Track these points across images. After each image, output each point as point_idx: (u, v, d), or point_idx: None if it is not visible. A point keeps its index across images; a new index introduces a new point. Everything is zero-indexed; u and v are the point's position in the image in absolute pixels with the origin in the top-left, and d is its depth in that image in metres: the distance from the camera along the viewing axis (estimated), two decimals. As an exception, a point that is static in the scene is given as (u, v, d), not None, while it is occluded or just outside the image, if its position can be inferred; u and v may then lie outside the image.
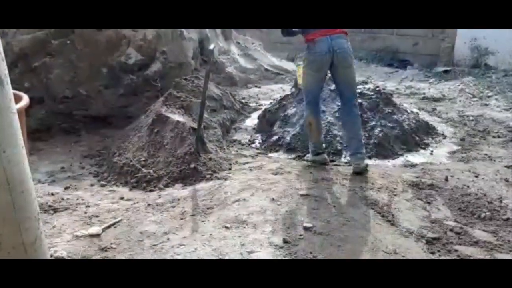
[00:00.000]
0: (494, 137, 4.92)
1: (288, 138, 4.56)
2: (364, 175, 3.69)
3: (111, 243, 2.71)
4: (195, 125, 3.98)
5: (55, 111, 4.96)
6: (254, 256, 2.51)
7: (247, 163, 4.08)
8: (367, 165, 3.78)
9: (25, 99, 2.94)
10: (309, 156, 4.07)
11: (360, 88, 4.99)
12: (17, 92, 2.99)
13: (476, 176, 3.77)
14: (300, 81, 4.22)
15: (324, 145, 4.11)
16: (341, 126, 4.04)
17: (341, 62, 3.66)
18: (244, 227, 2.83)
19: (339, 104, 4.23)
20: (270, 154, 4.42)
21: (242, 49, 8.06)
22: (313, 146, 3.99)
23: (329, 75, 3.92)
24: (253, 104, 6.11)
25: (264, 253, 2.53)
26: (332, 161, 4.13)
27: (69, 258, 2.52)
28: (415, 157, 4.32)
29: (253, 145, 4.68)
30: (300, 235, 2.73)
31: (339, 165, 4.04)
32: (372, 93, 4.89)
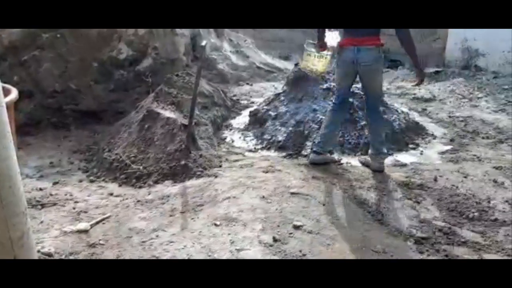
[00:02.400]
0: (483, 138, 4.96)
1: (279, 136, 4.55)
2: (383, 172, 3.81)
3: (100, 239, 2.69)
4: (186, 122, 3.96)
5: (45, 106, 4.91)
6: (243, 254, 2.50)
7: (238, 160, 4.08)
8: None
9: (14, 93, 2.91)
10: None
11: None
12: (6, 85, 2.96)
13: (465, 177, 3.80)
14: (305, 65, 4.79)
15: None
16: (366, 127, 4.17)
17: (365, 74, 3.73)
18: (234, 225, 2.82)
19: (330, 102, 4.25)
20: (261, 152, 4.42)
21: (234, 46, 8.04)
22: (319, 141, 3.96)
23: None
24: (244, 102, 6.10)
25: (254, 251, 2.53)
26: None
27: (57, 257, 2.49)
28: (405, 157, 4.34)
29: (244, 143, 4.67)
30: (290, 234, 2.73)
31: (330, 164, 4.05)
32: (363, 93, 4.89)
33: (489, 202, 3.36)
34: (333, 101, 4.02)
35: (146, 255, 2.51)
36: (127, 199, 3.34)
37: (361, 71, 3.69)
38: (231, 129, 5.08)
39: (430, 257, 2.63)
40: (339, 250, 2.61)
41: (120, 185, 3.64)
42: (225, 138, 4.79)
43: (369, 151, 3.97)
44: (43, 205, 3.17)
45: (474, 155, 4.34)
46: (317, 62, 4.74)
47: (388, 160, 4.21)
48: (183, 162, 3.70)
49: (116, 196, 3.43)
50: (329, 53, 4.53)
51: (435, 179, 3.71)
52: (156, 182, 3.60)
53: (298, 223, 2.83)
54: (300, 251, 2.55)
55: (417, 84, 3.98)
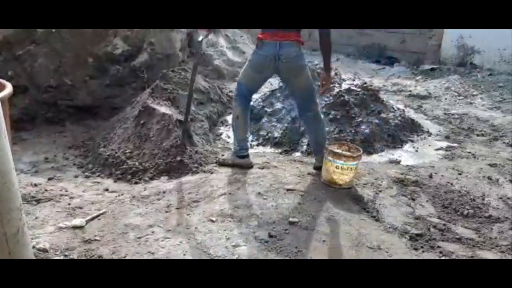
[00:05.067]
0: (478, 135, 4.99)
1: (275, 132, 4.56)
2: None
3: (95, 235, 2.69)
4: (181, 118, 3.95)
5: (39, 101, 4.88)
6: (239, 250, 2.51)
7: (234, 156, 4.07)
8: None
9: (9, 88, 2.88)
10: (229, 157, 3.80)
11: (348, 84, 5.02)
12: (1, 80, 2.94)
13: (460, 174, 3.82)
14: (329, 178, 3.41)
15: (248, 146, 3.89)
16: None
17: (288, 72, 3.46)
18: (230, 221, 2.82)
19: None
20: (256, 148, 4.42)
21: (230, 42, 8.01)
22: (238, 144, 3.74)
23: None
24: (240, 98, 6.07)
25: (249, 247, 2.54)
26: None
27: (52, 253, 2.48)
28: (401, 154, 4.36)
29: (240, 139, 4.67)
30: (286, 230, 2.73)
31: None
32: (359, 90, 4.92)
33: (483, 199, 3.38)
34: (235, 97, 3.74)
35: (142, 251, 2.50)
36: (122, 195, 3.33)
37: (282, 68, 3.40)
38: (227, 125, 5.07)
39: (425, 254, 2.64)
40: (335, 246, 2.62)
41: (115, 181, 3.63)
42: (221, 134, 4.78)
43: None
44: (38, 201, 3.15)
45: (469, 152, 4.37)
46: (342, 174, 3.36)
47: (384, 157, 4.23)
48: (178, 158, 3.69)
49: (112, 192, 3.42)
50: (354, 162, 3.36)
51: (430, 176, 3.73)
52: (151, 178, 3.59)
53: (294, 219, 2.84)
54: (296, 247, 2.56)
55: (324, 92, 3.72)
